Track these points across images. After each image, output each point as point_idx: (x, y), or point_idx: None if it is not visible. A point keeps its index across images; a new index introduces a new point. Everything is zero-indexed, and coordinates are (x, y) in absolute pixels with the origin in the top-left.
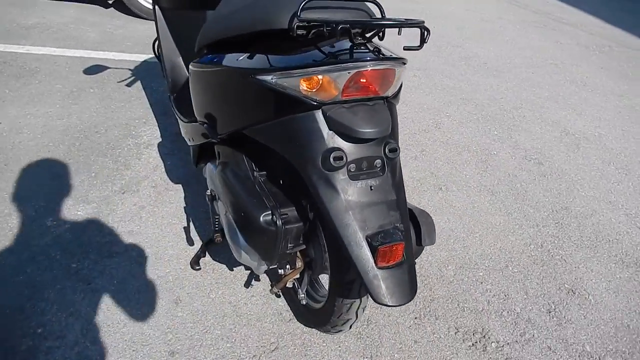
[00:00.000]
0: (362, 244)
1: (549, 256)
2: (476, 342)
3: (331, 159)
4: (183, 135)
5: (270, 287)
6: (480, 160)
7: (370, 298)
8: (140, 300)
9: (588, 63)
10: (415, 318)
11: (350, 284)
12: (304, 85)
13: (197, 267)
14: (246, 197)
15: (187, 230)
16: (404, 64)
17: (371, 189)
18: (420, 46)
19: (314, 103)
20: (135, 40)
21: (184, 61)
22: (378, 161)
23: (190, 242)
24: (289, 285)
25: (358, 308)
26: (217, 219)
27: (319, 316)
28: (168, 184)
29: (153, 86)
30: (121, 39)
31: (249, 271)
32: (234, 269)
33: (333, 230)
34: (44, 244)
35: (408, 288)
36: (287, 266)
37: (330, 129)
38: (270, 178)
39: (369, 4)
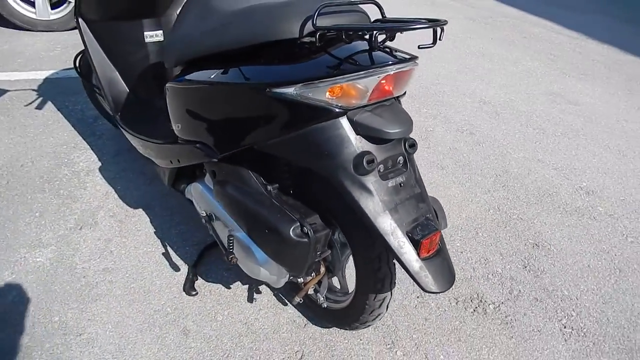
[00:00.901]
0: (404, 240)
1: (507, 217)
2: (476, 307)
3: (364, 163)
4: (153, 157)
5: (291, 298)
6: (422, 138)
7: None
8: (145, 340)
9: (479, 35)
10: (418, 297)
11: (382, 280)
12: (328, 94)
13: (194, 292)
14: (268, 213)
15: (167, 256)
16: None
17: (401, 186)
18: (434, 44)
19: (338, 110)
20: (27, 56)
21: (122, 77)
22: (400, 158)
23: (176, 268)
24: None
25: (389, 301)
26: (231, 240)
27: (345, 316)
28: (127, 210)
29: (68, 105)
30: (10, 56)
31: (247, 285)
32: (231, 286)
33: (373, 231)
34: (10, 303)
35: (449, 273)
36: (312, 273)
37: (357, 134)
38: (281, 190)
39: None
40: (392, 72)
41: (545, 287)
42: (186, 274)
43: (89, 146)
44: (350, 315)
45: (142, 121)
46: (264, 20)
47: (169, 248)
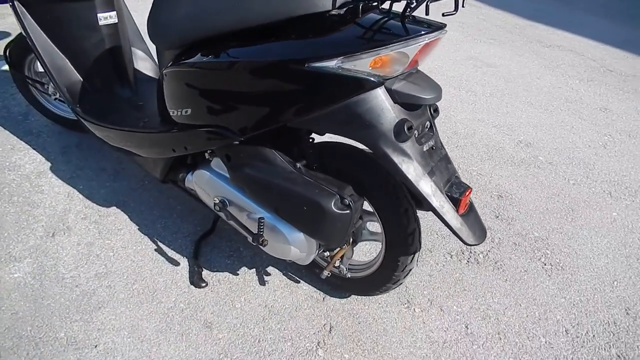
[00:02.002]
0: (444, 199)
1: (469, 174)
2: (469, 258)
3: (405, 130)
4: (138, 149)
5: (320, 272)
6: None
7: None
8: (169, 340)
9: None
10: None
11: (412, 235)
12: (371, 65)
13: (204, 284)
14: (304, 190)
15: (161, 251)
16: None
17: (433, 149)
18: (456, 11)
19: (377, 81)
20: None
21: (74, 65)
22: (427, 123)
23: (174, 262)
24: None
25: (418, 256)
26: (262, 222)
27: (373, 281)
28: (99, 210)
29: None
30: None
31: (254, 269)
32: (238, 272)
33: (416, 194)
34: (4, 330)
35: (482, 226)
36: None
37: (395, 102)
38: (307, 165)
39: None
40: (428, 41)
41: (519, 233)
42: (188, 267)
43: (28, 146)
44: (380, 279)
45: (114, 111)
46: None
47: (159, 243)
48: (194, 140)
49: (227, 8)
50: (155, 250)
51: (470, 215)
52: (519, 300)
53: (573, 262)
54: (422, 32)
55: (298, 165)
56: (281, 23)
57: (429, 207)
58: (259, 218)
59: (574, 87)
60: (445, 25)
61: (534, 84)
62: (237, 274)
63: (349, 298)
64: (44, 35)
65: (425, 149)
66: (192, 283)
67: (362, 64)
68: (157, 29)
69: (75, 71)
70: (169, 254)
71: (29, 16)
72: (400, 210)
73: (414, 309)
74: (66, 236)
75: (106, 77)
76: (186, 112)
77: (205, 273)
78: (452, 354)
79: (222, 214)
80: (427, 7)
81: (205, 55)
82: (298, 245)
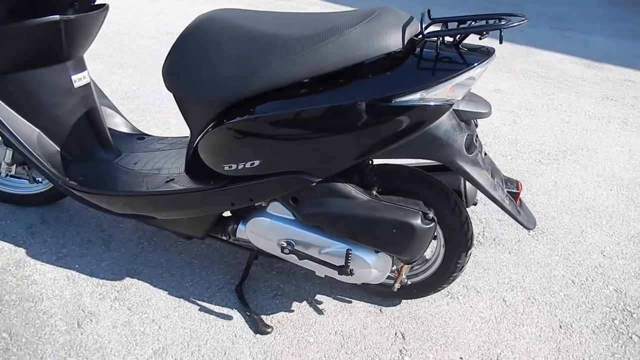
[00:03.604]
0: (506, 195)
1: None
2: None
3: (476, 144)
4: (177, 211)
5: (392, 287)
6: None
7: None
8: None
9: None
10: None
11: (469, 236)
12: (448, 92)
13: (269, 329)
14: (390, 214)
15: (206, 310)
16: None
17: (485, 156)
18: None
19: (451, 104)
20: None
21: (48, 136)
22: (475, 133)
23: (225, 317)
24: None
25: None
26: (350, 254)
27: (432, 282)
28: (114, 284)
29: None
30: None
31: (304, 301)
32: (292, 309)
33: (488, 197)
34: None
35: (530, 212)
36: None
37: (461, 120)
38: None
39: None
40: (489, 64)
41: (497, 210)
42: (243, 317)
43: None
44: (439, 279)
45: (115, 176)
46: (362, 40)
47: (199, 302)
48: (262, 190)
49: (300, 60)
50: (200, 310)
51: (522, 204)
52: (528, 266)
53: (546, 224)
54: (485, 57)
55: (373, 192)
56: (355, 66)
57: (501, 208)
58: (347, 250)
59: None
60: (494, 48)
61: None
62: (292, 310)
63: (400, 304)
64: (9, 109)
65: (484, 156)
66: (257, 332)
67: (441, 93)
68: (199, 89)
69: (52, 142)
70: (216, 310)
71: None
72: (457, 215)
73: (457, 297)
74: (95, 322)
75: (85, 143)
76: (252, 164)
77: (263, 318)
78: (506, 326)
79: (292, 256)
80: (500, 36)
81: (278, 105)
82: (377, 266)
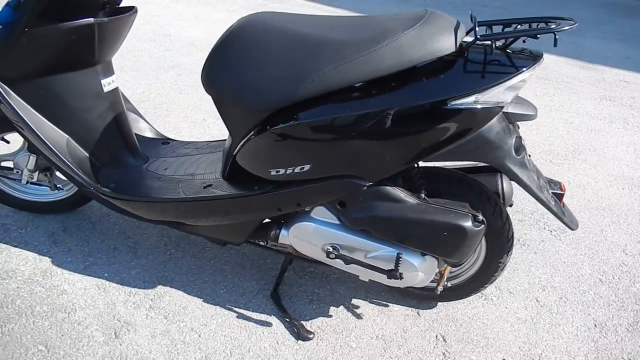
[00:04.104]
0: (551, 196)
1: None
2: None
3: (523, 144)
4: (215, 219)
5: (435, 290)
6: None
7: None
8: None
9: None
10: None
11: (510, 236)
12: (502, 95)
13: (311, 335)
14: (440, 217)
15: (244, 317)
16: None
17: (529, 157)
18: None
19: (502, 107)
20: None
21: (77, 141)
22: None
23: (265, 324)
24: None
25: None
26: (400, 258)
27: (471, 284)
28: (147, 293)
29: None
30: None
31: (341, 306)
32: (330, 313)
33: (535, 199)
34: None
35: (573, 215)
36: None
37: (510, 122)
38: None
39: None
40: (539, 66)
41: (518, 210)
42: (282, 323)
43: (6, 245)
44: (479, 280)
45: (147, 182)
46: (417, 44)
47: (236, 309)
48: (311, 195)
49: (355, 64)
50: (238, 317)
51: (565, 205)
52: (555, 266)
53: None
54: (535, 60)
55: (422, 195)
56: (408, 70)
57: (547, 208)
58: (398, 254)
59: None
60: (542, 52)
61: None
62: (331, 315)
63: (437, 307)
64: (38, 115)
65: (528, 157)
66: (299, 338)
67: (494, 96)
68: (245, 92)
69: (80, 148)
70: (254, 317)
71: (15, 96)
72: (499, 215)
73: (491, 299)
74: (133, 332)
75: (114, 148)
76: (302, 168)
77: (303, 323)
78: (543, 326)
79: (338, 261)
80: (555, 40)
81: (331, 109)
82: (424, 270)
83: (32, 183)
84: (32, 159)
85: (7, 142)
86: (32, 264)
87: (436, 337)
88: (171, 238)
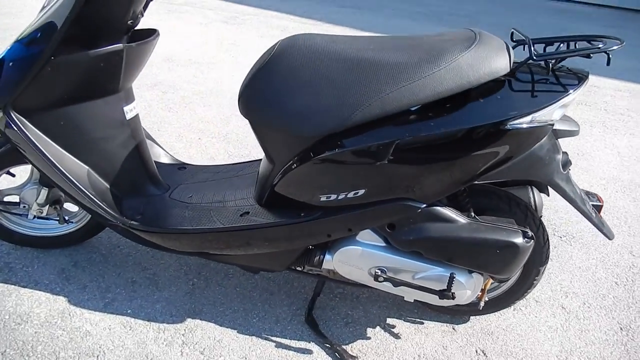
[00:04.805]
0: (592, 209)
1: None
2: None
3: (570, 160)
4: (258, 248)
5: (477, 305)
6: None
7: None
8: None
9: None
10: None
11: (546, 247)
12: (555, 114)
13: (354, 357)
14: (492, 235)
15: (283, 345)
16: None
17: (570, 171)
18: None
19: (552, 125)
20: None
21: (97, 171)
22: None
23: (306, 351)
24: None
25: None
26: (453, 278)
27: (507, 298)
28: (177, 328)
29: None
30: None
31: (377, 327)
32: (367, 335)
33: (580, 212)
34: None
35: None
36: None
37: (556, 139)
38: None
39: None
40: (587, 85)
41: None
42: (323, 350)
43: (16, 286)
44: (515, 294)
45: (175, 212)
46: (475, 65)
47: (274, 338)
48: (364, 218)
49: (415, 86)
50: (277, 346)
51: (602, 217)
52: (572, 272)
53: (573, 228)
54: (582, 80)
55: (471, 214)
56: (464, 92)
57: (590, 221)
58: (451, 274)
59: None
60: (588, 72)
61: None
62: (369, 337)
63: (470, 321)
64: (56, 146)
65: (569, 172)
66: None
67: (548, 114)
68: (293, 118)
69: (101, 179)
70: (294, 345)
71: (32, 127)
72: (536, 229)
73: (520, 309)
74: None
75: (136, 177)
76: (356, 193)
77: (344, 347)
78: (574, 333)
79: (386, 284)
80: (608, 59)
81: (389, 133)
82: (471, 287)
83: (39, 217)
84: (44, 192)
85: (13, 175)
86: (46, 305)
87: (476, 351)
88: (190, 266)
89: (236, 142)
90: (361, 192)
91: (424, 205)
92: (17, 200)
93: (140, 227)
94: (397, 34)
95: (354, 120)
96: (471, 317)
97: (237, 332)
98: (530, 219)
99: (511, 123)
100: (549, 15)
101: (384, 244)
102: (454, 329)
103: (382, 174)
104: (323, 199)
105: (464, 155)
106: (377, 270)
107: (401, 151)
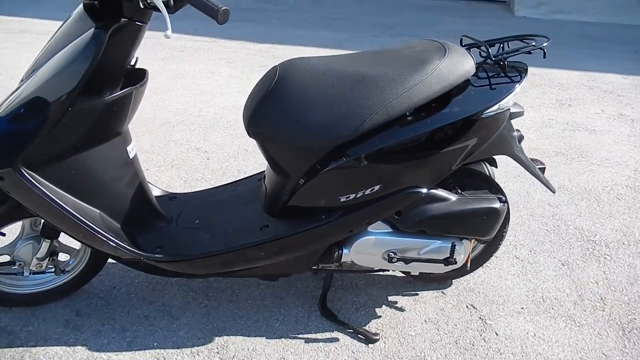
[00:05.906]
0: (540, 172)
1: None
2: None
3: (522, 135)
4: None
5: (465, 266)
6: None
7: None
8: None
9: None
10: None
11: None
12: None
13: (377, 336)
14: (479, 205)
15: (310, 340)
16: None
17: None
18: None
19: (509, 109)
20: None
21: (108, 213)
22: None
23: (333, 339)
24: None
25: None
26: (454, 246)
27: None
28: (209, 348)
29: None
30: None
31: (383, 306)
32: (380, 314)
33: (534, 175)
34: None
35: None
36: None
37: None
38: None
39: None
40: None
41: None
42: (348, 335)
43: (25, 348)
44: (489, 251)
45: (189, 239)
46: (453, 70)
47: (299, 336)
48: (380, 210)
49: (412, 92)
50: (307, 342)
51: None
52: (512, 228)
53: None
54: (526, 71)
55: (458, 190)
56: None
57: (538, 178)
58: (452, 243)
59: None
60: (526, 64)
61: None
62: (380, 316)
63: (453, 284)
64: (68, 195)
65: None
66: (368, 342)
67: (507, 102)
68: (310, 132)
69: (112, 220)
70: (321, 337)
71: (43, 180)
72: (501, 194)
73: (487, 266)
74: None
75: (142, 213)
76: (372, 189)
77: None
78: (531, 274)
79: (399, 263)
80: (544, 53)
81: (397, 133)
82: (465, 252)
83: (34, 273)
84: (45, 244)
85: (3, 234)
86: (67, 358)
87: (467, 306)
88: (195, 291)
89: (185, 167)
90: (376, 187)
91: (426, 190)
92: (8, 260)
93: (165, 259)
94: (301, 43)
95: (365, 128)
96: (453, 281)
97: (266, 338)
98: (494, 188)
99: (487, 112)
100: (418, 12)
101: (391, 230)
102: (443, 292)
103: (393, 169)
104: (343, 199)
105: (459, 141)
106: (390, 254)
107: (409, 148)
